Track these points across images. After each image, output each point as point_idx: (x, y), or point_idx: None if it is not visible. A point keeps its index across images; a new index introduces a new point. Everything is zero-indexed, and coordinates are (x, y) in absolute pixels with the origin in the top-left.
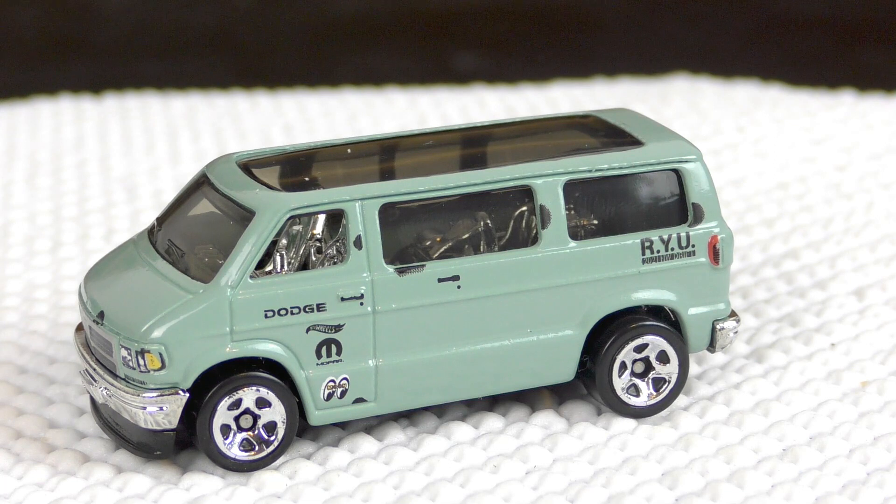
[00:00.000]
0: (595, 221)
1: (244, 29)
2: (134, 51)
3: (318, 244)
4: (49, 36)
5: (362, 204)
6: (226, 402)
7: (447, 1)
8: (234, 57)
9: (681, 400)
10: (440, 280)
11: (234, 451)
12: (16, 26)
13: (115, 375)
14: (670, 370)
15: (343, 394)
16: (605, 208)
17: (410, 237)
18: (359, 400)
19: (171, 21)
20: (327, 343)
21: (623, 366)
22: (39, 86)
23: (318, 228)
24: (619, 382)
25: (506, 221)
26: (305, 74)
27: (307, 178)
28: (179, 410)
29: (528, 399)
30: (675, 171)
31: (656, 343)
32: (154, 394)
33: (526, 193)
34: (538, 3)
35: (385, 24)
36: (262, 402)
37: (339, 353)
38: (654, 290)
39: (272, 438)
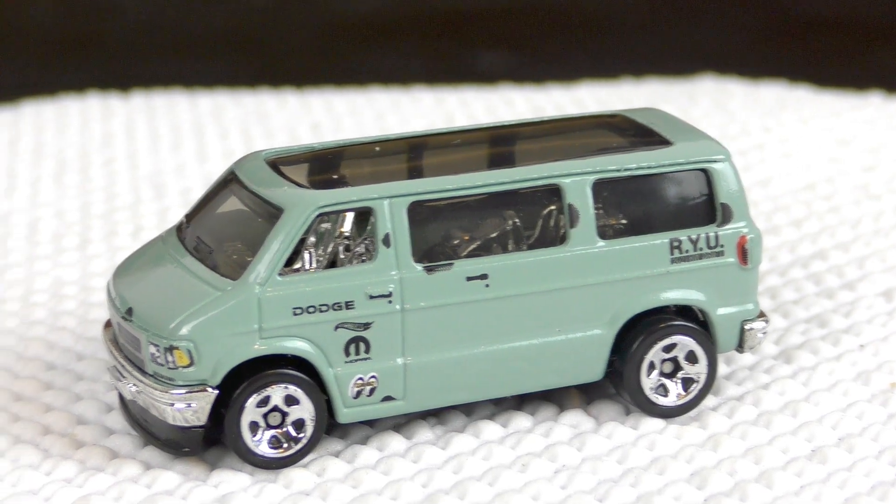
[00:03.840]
0: (623, 221)
1: (271, 27)
2: (162, 49)
3: (347, 242)
4: (77, 33)
5: (391, 202)
6: (254, 399)
7: (474, 0)
8: (261, 55)
9: (709, 400)
10: (468, 279)
11: (263, 449)
12: (43, 23)
13: (143, 372)
14: (699, 370)
15: (371, 391)
16: (633, 208)
17: (439, 235)
18: (387, 398)
19: (199, 19)
20: (356, 341)
21: (651, 365)
22: (67, 83)
23: (347, 226)
24: (648, 382)
25: (534, 220)
26: (333, 73)
27: (336, 176)
28: (208, 407)
29: (557, 398)
30: (704, 170)
31: (685, 343)
32: (182, 390)
33: (554, 192)
34: (564, 3)
35: (412, 23)
36: (290, 400)
37: (367, 350)
38: (683, 290)
39: (300, 436)
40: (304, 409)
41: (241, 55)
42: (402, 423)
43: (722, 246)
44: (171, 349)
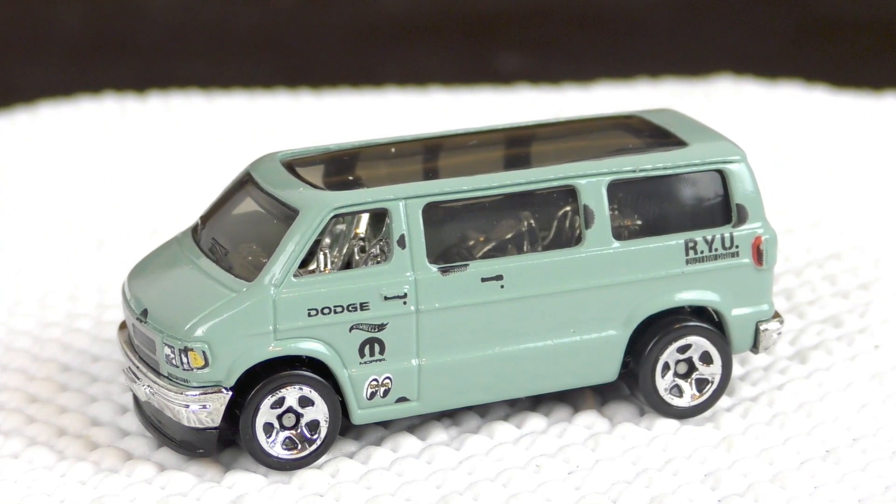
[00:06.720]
0: (639, 222)
1: (288, 28)
2: (178, 50)
3: (362, 243)
4: (94, 34)
5: (406, 203)
6: (269, 400)
7: (490, 1)
8: (277, 56)
9: (724, 401)
10: (483, 280)
11: (277, 450)
12: (61, 25)
13: (158, 373)
14: (713, 371)
15: (386, 393)
16: (648, 208)
17: (454, 237)
18: (401, 399)
19: (215, 20)
20: (370, 342)
21: (666, 366)
22: (84, 84)
23: (362, 227)
24: (662, 383)
25: (549, 221)
26: (349, 74)
27: (351, 177)
28: (222, 409)
29: (571, 399)
30: (719, 171)
31: (699, 344)
32: (197, 392)
33: (570, 193)
34: (582, 4)
35: (429, 24)
36: (304, 401)
37: (382, 352)
38: (698, 291)
39: (315, 437)
40: (319, 411)
41: (259, 57)
42: (416, 425)
43: (737, 246)
44: (186, 350)
